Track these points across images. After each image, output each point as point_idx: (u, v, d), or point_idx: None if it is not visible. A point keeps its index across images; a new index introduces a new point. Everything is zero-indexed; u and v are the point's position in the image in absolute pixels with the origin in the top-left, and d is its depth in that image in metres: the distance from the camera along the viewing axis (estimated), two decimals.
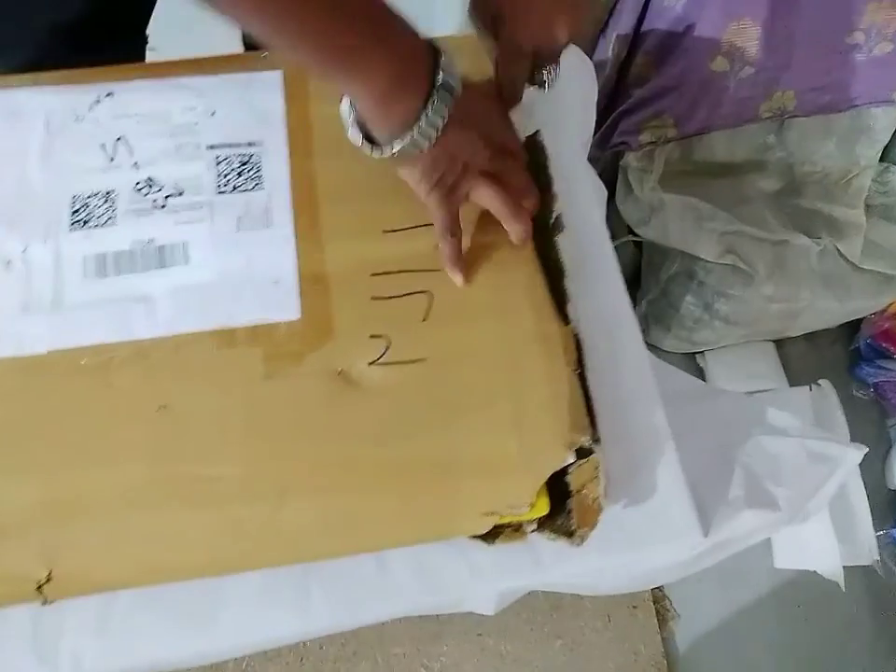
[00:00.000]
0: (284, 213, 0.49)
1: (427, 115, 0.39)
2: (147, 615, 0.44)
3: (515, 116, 0.49)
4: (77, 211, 0.48)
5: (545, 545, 0.46)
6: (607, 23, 0.99)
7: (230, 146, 0.50)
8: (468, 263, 0.48)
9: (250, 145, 0.51)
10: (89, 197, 0.48)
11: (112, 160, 0.49)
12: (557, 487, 0.45)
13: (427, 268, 0.48)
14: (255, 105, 0.52)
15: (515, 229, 0.47)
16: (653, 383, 0.53)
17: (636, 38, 0.96)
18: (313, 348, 0.46)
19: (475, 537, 0.45)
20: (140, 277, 0.47)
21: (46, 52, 0.57)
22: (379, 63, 0.37)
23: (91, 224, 0.48)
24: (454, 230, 0.46)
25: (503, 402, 0.45)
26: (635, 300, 1.22)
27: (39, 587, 0.40)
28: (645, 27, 0.94)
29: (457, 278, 0.47)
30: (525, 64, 0.47)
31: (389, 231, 0.49)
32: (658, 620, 1.04)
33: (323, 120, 0.52)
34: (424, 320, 0.47)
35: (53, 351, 0.45)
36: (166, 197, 0.49)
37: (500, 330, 0.47)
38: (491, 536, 0.45)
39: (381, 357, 0.46)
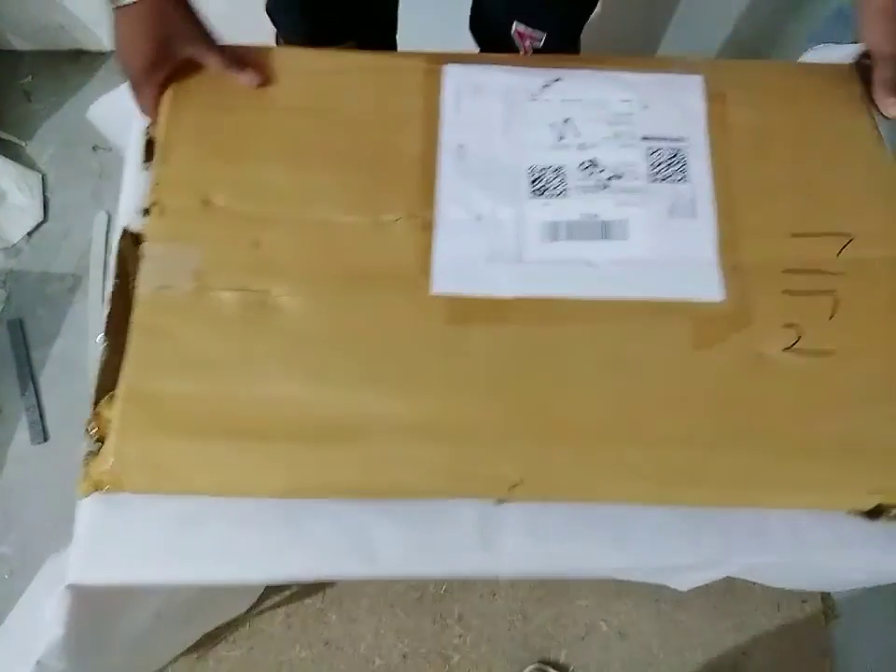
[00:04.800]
0: (707, 206, 0.56)
1: None
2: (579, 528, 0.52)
3: None
4: (535, 181, 0.56)
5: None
6: None
7: (660, 139, 0.57)
8: (874, 270, 0.54)
9: (677, 140, 0.57)
10: (543, 170, 0.56)
11: (561, 138, 0.57)
12: None
13: (833, 271, 0.54)
14: (680, 104, 0.59)
15: None
16: None
17: None
18: (735, 328, 0.53)
19: (856, 513, 0.52)
20: (586, 245, 0.54)
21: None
22: None
23: (547, 194, 0.55)
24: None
25: None
26: None
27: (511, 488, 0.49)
28: None
29: None
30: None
31: (797, 235, 0.55)
32: (824, 617, 1.10)
33: (741, 125, 0.58)
34: (831, 318, 0.53)
35: (518, 298, 0.53)
36: (608, 178, 0.56)
37: None
38: (873, 514, 0.51)
39: (794, 344, 0.52)
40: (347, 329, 0.52)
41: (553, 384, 0.51)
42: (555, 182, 0.55)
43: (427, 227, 0.54)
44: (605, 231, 0.55)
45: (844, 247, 0.55)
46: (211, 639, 1.03)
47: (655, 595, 1.09)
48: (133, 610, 0.62)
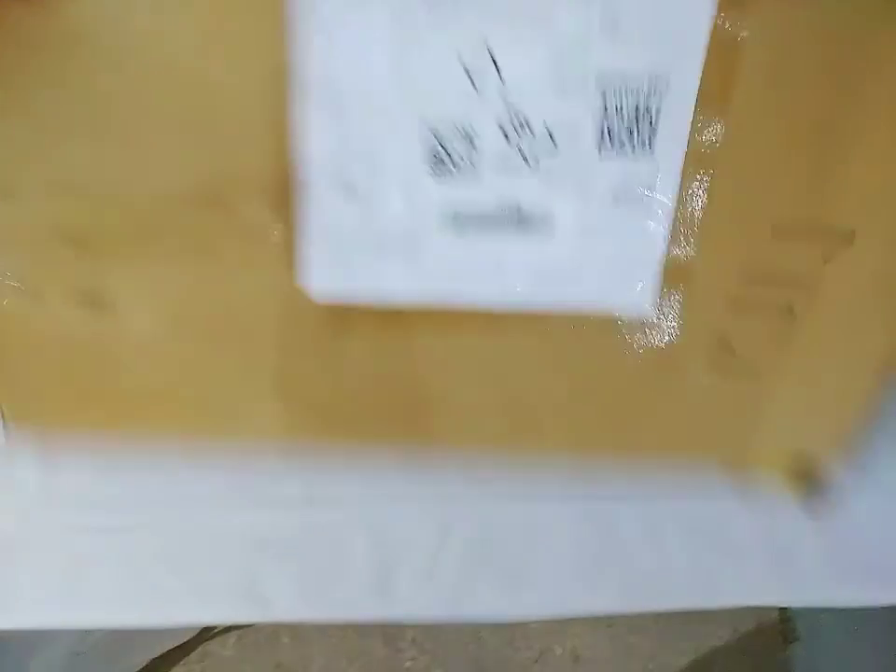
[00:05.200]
0: (668, 191, 0.40)
1: None
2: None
3: None
4: (435, 153, 0.41)
5: None
6: None
7: (625, 78, 0.38)
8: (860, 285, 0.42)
9: (652, 80, 0.38)
10: (448, 133, 0.40)
11: (474, 84, 0.39)
12: None
13: (802, 284, 0.42)
14: (670, 16, 0.36)
15: None
16: None
17: None
18: (661, 349, 0.44)
19: None
20: (498, 243, 0.41)
21: None
22: None
23: (451, 173, 0.41)
24: None
25: None
26: None
27: None
28: None
29: None
30: None
31: (779, 231, 0.40)
32: (783, 639, 1.04)
33: (756, 57, 0.37)
34: (775, 343, 0.43)
35: (410, 304, 0.42)
36: (538, 150, 0.40)
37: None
38: None
39: (719, 369, 0.45)
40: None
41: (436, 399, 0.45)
42: (463, 155, 0.40)
43: (286, 206, 0.41)
44: (524, 225, 0.41)
45: (834, 252, 0.40)
46: (161, 663, 0.98)
47: (610, 617, 1.02)
48: (43, 651, 0.57)
